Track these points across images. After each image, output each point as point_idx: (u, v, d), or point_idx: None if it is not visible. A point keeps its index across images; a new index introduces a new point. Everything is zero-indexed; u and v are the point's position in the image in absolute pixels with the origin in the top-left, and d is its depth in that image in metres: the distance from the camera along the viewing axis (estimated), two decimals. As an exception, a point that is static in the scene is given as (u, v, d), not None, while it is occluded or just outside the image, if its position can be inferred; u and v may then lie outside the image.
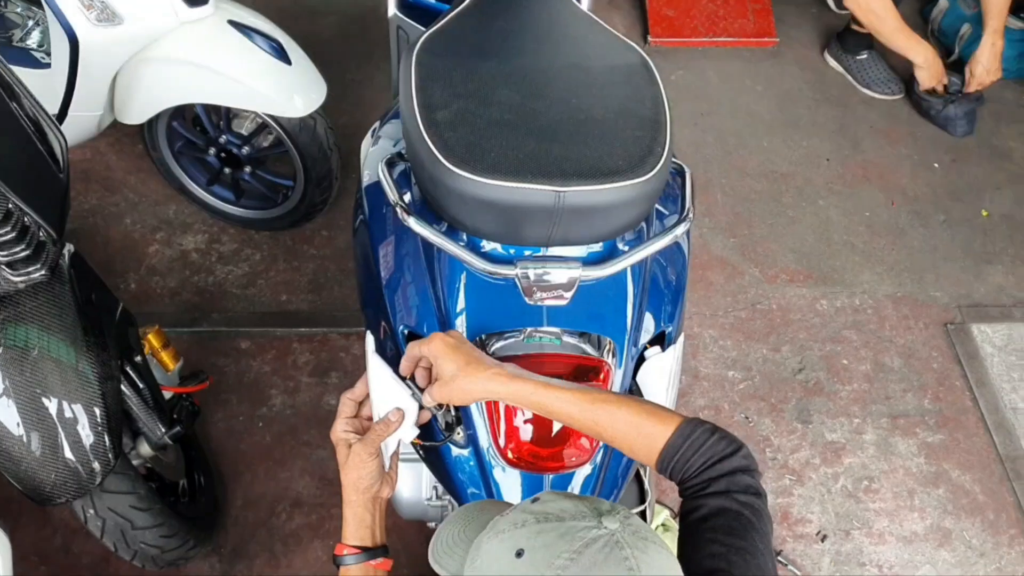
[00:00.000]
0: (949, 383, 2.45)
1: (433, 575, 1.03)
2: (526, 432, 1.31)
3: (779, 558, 2.10)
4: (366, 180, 1.56)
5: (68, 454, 1.42)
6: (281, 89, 2.13)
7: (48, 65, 2.09)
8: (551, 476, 1.35)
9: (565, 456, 1.31)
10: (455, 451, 1.36)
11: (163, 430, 1.64)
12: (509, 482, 1.36)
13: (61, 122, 2.10)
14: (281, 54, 2.13)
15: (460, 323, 1.32)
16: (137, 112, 2.19)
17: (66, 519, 2.03)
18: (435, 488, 1.61)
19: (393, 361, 1.26)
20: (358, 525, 1.21)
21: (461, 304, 1.33)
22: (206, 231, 2.60)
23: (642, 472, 1.62)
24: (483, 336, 1.31)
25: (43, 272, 1.36)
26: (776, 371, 2.44)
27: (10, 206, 1.26)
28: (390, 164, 1.43)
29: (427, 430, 1.31)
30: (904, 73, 3.11)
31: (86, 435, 1.43)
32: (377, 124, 1.69)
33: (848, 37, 3.15)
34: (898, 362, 2.48)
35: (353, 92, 2.93)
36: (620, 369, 1.34)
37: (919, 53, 2.98)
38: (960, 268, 2.71)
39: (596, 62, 1.45)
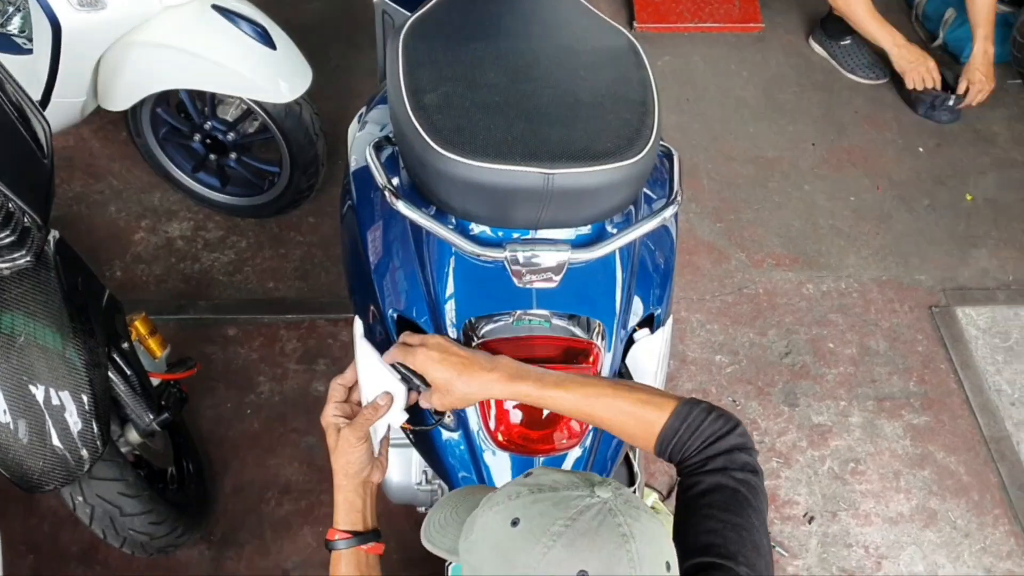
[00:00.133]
0: (934, 366, 2.47)
1: (425, 556, 1.04)
2: (516, 415, 1.31)
3: (767, 540, 2.12)
4: (353, 165, 1.55)
5: (56, 441, 1.41)
6: (266, 74, 2.11)
7: (30, 51, 2.07)
8: (541, 459, 1.35)
9: (555, 439, 1.32)
10: (445, 435, 1.37)
11: (151, 417, 1.64)
12: (499, 465, 1.36)
13: (44, 108, 2.08)
14: (266, 39, 2.11)
15: (449, 307, 1.32)
16: (121, 98, 2.17)
17: (54, 507, 2.02)
18: (425, 472, 1.62)
19: (382, 346, 1.27)
20: (349, 510, 1.22)
21: (450, 287, 1.32)
22: (191, 218, 2.58)
23: (631, 455, 1.64)
24: (472, 319, 1.31)
25: (28, 258, 1.35)
26: (763, 355, 2.46)
27: (-6, 192, 1.26)
28: (378, 148, 1.42)
29: (417, 414, 1.31)
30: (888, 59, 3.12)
31: (74, 422, 1.43)
32: (363, 109, 1.68)
33: (831, 23, 3.15)
34: (883, 345, 2.50)
35: (338, 78, 2.92)
36: (609, 352, 1.34)
37: (886, 39, 2.99)
38: (945, 252, 2.73)
39: (584, 45, 1.44)
